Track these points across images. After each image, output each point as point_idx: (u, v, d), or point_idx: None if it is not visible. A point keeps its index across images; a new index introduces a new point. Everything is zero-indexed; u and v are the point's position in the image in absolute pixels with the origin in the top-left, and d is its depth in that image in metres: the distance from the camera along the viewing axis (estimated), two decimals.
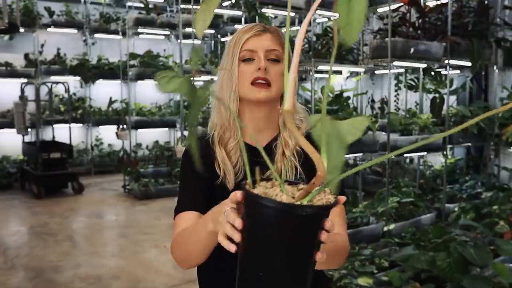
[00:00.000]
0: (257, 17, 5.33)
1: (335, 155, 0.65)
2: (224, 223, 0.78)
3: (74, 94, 8.42)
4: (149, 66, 7.33)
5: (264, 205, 0.66)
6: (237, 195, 0.76)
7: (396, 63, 3.99)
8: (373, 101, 5.95)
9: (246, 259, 0.72)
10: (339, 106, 3.85)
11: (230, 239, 0.77)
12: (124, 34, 7.51)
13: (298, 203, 0.66)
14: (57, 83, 7.26)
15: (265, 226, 0.67)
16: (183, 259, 1.08)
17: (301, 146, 0.63)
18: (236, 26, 7.57)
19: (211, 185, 1.12)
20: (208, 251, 0.98)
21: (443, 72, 4.87)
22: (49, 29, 8.03)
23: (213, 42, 9.28)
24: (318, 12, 5.45)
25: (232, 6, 5.81)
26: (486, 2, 4.78)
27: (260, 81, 1.10)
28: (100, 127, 8.62)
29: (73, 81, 8.29)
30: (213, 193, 1.12)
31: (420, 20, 4.09)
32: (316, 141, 0.67)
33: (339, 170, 0.64)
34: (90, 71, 8.15)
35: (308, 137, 1.10)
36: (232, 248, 0.76)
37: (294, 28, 6.80)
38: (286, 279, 0.68)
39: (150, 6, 7.26)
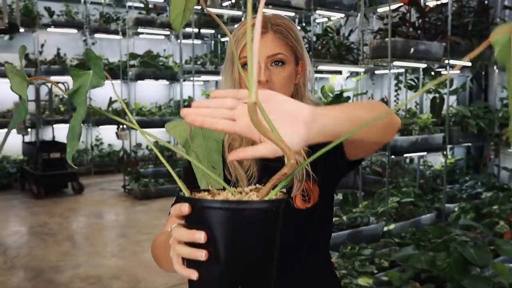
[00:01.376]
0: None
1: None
2: (175, 246, 0.63)
3: None
4: (149, 66, 7.33)
5: (221, 208, 0.59)
6: (182, 207, 0.61)
7: (396, 63, 3.98)
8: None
9: (208, 275, 0.62)
10: None
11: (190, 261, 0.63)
12: (124, 34, 7.51)
13: (246, 199, 0.62)
14: (57, 83, 7.25)
15: (225, 233, 0.60)
16: (157, 264, 1.04)
17: (268, 137, 0.55)
18: (236, 26, 7.57)
19: None
20: None
21: (443, 72, 4.87)
22: (49, 29, 8.03)
23: (213, 42, 9.28)
24: (318, 12, 5.45)
25: (232, 6, 5.81)
26: (486, 2, 4.78)
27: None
28: (100, 127, 8.63)
29: None
30: None
31: (420, 20, 4.09)
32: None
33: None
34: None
35: None
36: (193, 274, 0.62)
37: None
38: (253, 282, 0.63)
39: (150, 6, 7.27)
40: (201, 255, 0.59)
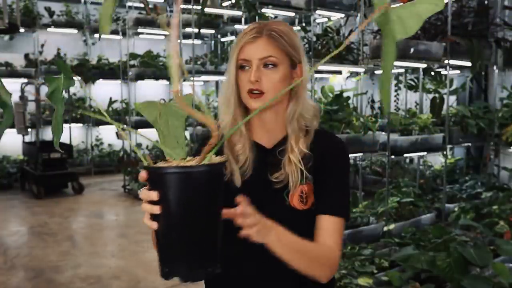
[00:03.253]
0: (257, 17, 5.33)
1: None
2: (142, 205, 0.84)
3: (74, 94, 8.42)
4: (149, 66, 7.33)
5: (165, 173, 0.78)
6: (142, 174, 0.83)
7: (396, 63, 3.98)
8: (373, 101, 5.94)
9: (164, 225, 0.82)
10: (339, 106, 3.84)
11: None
12: (124, 34, 7.51)
13: (191, 164, 0.79)
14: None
15: (170, 191, 0.78)
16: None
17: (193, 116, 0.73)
18: (236, 26, 7.57)
19: None
20: None
21: (443, 72, 4.87)
22: (49, 29, 8.03)
23: (213, 42, 9.28)
24: (318, 12, 5.45)
25: (232, 6, 5.81)
26: (486, 2, 4.78)
27: (254, 91, 1.09)
28: (100, 127, 8.63)
29: None
30: None
31: None
32: None
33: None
34: (90, 71, 8.15)
35: (319, 133, 1.16)
36: (154, 225, 0.82)
37: (294, 28, 6.81)
38: (197, 233, 0.79)
39: (150, 6, 7.26)
40: (156, 209, 0.80)
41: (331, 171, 1.15)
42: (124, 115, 7.60)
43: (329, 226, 1.11)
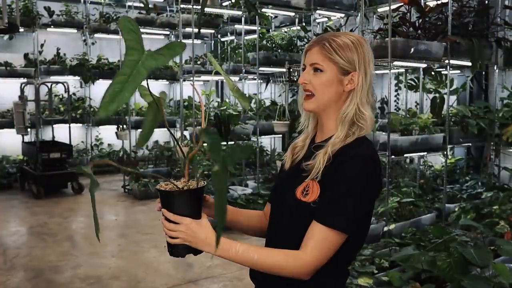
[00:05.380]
0: (257, 17, 5.32)
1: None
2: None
3: (74, 94, 8.41)
4: None
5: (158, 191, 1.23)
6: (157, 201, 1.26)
7: (396, 63, 3.98)
8: None
9: None
10: None
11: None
12: None
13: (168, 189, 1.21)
14: (57, 83, 7.25)
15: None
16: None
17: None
18: (236, 26, 7.57)
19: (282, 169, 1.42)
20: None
21: (443, 72, 4.86)
22: (49, 29, 8.02)
23: (213, 42, 9.28)
24: (318, 12, 5.45)
25: (232, 6, 5.80)
26: (486, 1, 4.77)
27: (307, 93, 1.28)
28: (100, 127, 8.62)
29: (73, 81, 8.28)
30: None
31: (420, 20, 4.09)
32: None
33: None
34: (90, 71, 8.14)
35: (356, 142, 1.23)
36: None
37: (294, 28, 6.80)
38: None
39: (150, 5, 7.26)
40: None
41: (337, 182, 1.18)
42: (124, 115, 7.59)
43: (315, 232, 1.17)
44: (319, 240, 1.16)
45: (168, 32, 7.96)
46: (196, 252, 1.20)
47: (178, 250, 1.21)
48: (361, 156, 1.19)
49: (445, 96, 4.54)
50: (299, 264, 1.16)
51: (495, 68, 4.91)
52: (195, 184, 1.20)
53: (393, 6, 3.99)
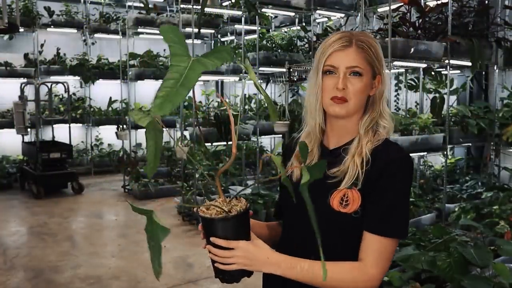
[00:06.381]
0: (257, 17, 5.32)
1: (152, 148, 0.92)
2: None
3: (74, 94, 8.41)
4: (149, 66, 7.32)
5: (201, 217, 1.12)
6: (199, 228, 1.17)
7: (396, 63, 3.97)
8: None
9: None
10: None
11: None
12: (124, 34, 7.50)
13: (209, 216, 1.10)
14: (57, 83, 7.25)
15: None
16: None
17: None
18: (236, 26, 7.56)
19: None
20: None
21: (443, 72, 4.86)
22: (48, 29, 8.02)
23: (213, 42, 9.27)
24: (318, 12, 5.45)
25: (232, 6, 5.80)
26: (486, 1, 4.77)
27: (338, 97, 1.17)
28: (100, 127, 8.62)
29: (73, 81, 8.29)
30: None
31: (420, 20, 4.08)
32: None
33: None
34: (90, 71, 8.14)
35: (387, 144, 1.19)
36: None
37: (294, 28, 6.80)
38: None
39: (150, 6, 7.26)
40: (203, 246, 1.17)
41: (385, 190, 1.14)
42: (124, 115, 7.59)
43: (370, 244, 1.13)
44: (381, 252, 1.13)
45: None
46: (250, 273, 1.13)
47: (233, 275, 1.12)
48: (402, 158, 1.16)
49: (445, 96, 4.54)
50: (367, 278, 1.12)
51: (495, 68, 4.91)
52: (237, 202, 1.12)
53: (393, 6, 3.99)
